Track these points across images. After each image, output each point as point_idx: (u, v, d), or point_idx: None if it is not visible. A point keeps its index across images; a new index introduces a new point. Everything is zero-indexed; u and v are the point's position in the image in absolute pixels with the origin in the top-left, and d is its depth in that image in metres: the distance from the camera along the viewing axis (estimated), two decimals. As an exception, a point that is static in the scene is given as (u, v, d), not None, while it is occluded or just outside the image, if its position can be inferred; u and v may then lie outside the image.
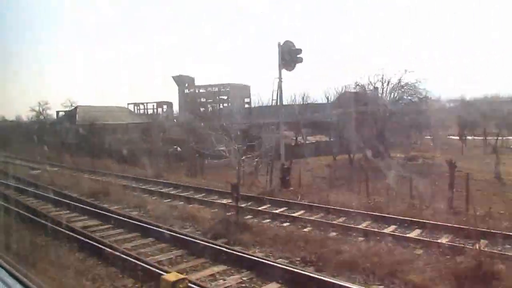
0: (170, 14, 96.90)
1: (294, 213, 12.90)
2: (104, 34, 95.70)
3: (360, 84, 34.82)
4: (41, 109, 41.93)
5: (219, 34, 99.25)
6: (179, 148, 36.91)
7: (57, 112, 76.06)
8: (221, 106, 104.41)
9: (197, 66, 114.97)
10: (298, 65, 15.19)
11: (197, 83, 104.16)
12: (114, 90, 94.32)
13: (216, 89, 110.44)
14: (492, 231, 9.44)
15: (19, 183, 18.28)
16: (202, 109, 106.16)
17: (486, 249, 8.12)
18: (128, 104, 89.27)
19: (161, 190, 16.68)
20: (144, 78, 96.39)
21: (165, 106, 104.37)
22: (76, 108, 44.34)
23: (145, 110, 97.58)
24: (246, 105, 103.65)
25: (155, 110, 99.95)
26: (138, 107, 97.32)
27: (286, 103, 43.31)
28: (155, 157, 28.95)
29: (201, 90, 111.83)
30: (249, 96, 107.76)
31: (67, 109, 45.09)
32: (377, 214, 12.00)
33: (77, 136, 40.02)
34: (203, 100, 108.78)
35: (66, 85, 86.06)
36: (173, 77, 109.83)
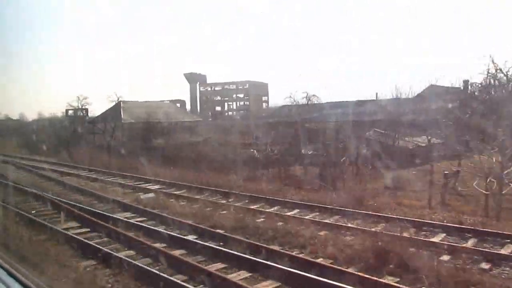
0: (170, 14, 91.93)
1: None
2: (104, 34, 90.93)
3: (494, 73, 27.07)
4: (79, 105, 33.32)
5: (219, 34, 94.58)
6: (255, 152, 28.71)
7: (67, 111, 67.24)
8: (239, 104, 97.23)
9: (197, 66, 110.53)
10: None
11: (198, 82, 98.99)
12: (114, 89, 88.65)
13: (234, 86, 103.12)
14: None
15: (166, 226, 10.06)
16: (217, 108, 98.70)
17: None
18: (78, 107, 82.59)
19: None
20: (144, 78, 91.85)
21: (178, 104, 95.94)
22: (119, 103, 35.83)
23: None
24: (264, 104, 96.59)
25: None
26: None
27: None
28: (240, 164, 20.98)
29: (216, 88, 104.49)
30: (267, 94, 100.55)
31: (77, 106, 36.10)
32: None
33: (126, 137, 31.60)
34: (218, 98, 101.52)
35: (66, 85, 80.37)
36: (184, 74, 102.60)
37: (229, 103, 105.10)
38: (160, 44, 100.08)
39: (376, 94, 37.18)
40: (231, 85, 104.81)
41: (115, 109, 35.34)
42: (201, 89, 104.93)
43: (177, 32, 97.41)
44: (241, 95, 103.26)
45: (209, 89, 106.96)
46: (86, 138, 34.21)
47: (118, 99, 34.12)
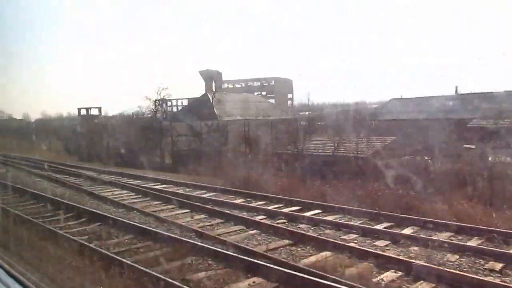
0: (170, 14, 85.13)
1: None
2: (104, 34, 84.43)
3: None
4: (159, 97, 23.98)
5: (219, 34, 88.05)
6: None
7: (79, 110, 57.61)
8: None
9: (197, 66, 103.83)
10: None
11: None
12: (114, 89, 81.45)
13: (258, 83, 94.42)
14: None
15: None
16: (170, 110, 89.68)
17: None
18: (155, 101, 75.64)
19: None
20: (144, 78, 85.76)
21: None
22: (206, 95, 26.55)
23: (176, 107, 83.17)
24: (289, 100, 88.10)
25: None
26: (166, 104, 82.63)
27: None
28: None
29: (236, 85, 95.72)
30: (291, 92, 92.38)
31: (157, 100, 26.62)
32: None
33: (232, 139, 22.49)
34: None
35: (66, 85, 74.50)
36: (200, 72, 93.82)
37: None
38: (160, 44, 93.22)
39: (456, 87, 29.56)
40: (254, 82, 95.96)
41: (202, 103, 26.07)
42: (222, 86, 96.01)
43: (177, 32, 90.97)
44: (264, 93, 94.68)
45: (231, 86, 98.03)
46: (163, 141, 24.79)
47: (217, 89, 24.78)
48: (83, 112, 58.76)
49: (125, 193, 12.74)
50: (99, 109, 59.37)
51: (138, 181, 15.07)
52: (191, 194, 12.32)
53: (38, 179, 15.94)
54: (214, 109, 24.31)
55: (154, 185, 14.08)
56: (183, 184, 14.07)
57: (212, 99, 24.87)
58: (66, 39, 79.09)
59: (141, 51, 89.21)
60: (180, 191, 12.86)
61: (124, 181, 15.05)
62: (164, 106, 24.64)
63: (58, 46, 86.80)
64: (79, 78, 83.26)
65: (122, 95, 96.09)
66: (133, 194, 12.63)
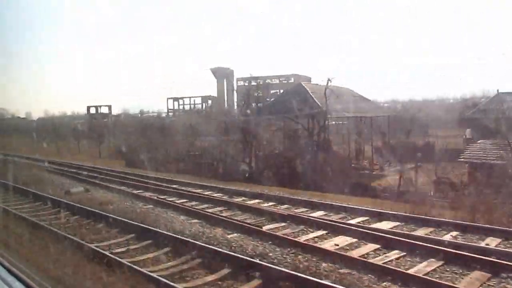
0: (170, 14, 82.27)
1: None
2: (104, 34, 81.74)
3: None
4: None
5: (219, 34, 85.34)
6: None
7: (88, 108, 53.29)
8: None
9: (197, 66, 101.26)
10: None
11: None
12: (114, 89, 78.67)
13: (277, 80, 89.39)
14: None
15: None
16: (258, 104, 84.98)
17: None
18: (167, 98, 70.30)
19: None
20: (144, 78, 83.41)
21: (209, 101, 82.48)
22: (300, 85, 21.68)
23: (190, 106, 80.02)
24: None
25: (202, 105, 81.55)
26: (179, 102, 79.70)
27: None
28: None
29: (253, 83, 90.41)
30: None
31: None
32: None
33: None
34: (259, 93, 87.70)
35: (66, 85, 72.28)
36: (211, 69, 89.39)
37: (267, 99, 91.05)
38: (160, 44, 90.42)
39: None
40: (273, 79, 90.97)
41: (298, 97, 20.96)
42: (238, 83, 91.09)
43: (177, 32, 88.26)
44: (281, 90, 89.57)
45: (246, 83, 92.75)
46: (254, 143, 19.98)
47: (328, 81, 19.70)
48: (93, 110, 54.06)
49: (344, 241, 7.76)
50: (109, 107, 54.71)
51: (303, 209, 10.09)
52: (453, 241, 7.43)
53: (146, 205, 10.94)
54: (326, 104, 19.12)
55: (352, 219, 9.14)
56: (388, 215, 9.16)
57: (325, 90, 19.44)
58: (66, 39, 76.94)
59: (141, 51, 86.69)
60: (420, 234, 8.00)
61: (280, 208, 10.07)
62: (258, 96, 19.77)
63: (58, 46, 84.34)
64: (79, 78, 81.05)
65: (122, 95, 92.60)
66: (353, 239, 7.66)
